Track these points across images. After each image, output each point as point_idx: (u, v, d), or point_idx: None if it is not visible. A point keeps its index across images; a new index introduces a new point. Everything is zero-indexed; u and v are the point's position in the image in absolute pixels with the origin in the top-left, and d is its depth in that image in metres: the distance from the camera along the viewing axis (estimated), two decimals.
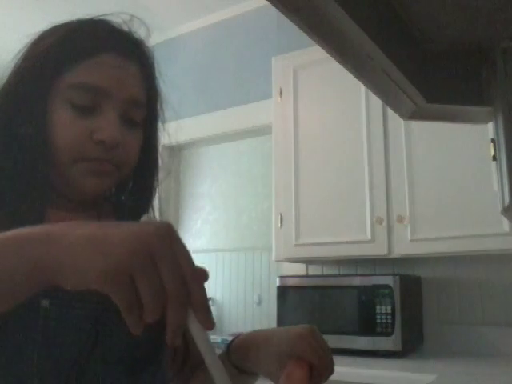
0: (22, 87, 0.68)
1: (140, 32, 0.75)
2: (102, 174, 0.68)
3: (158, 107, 0.77)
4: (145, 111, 0.73)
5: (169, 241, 0.42)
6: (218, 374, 0.44)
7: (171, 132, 0.81)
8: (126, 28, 0.73)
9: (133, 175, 0.76)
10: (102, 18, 0.73)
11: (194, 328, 0.43)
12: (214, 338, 2.84)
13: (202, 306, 0.43)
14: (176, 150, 3.10)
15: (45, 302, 0.63)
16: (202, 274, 0.44)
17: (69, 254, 0.43)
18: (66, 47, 0.68)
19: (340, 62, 0.52)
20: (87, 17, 0.72)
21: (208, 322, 0.43)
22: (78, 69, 0.67)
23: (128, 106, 0.70)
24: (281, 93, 2.47)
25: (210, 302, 3.41)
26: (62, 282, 0.43)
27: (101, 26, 0.72)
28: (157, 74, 0.76)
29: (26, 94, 0.67)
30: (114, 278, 0.41)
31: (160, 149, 0.80)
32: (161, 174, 0.80)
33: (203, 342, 0.43)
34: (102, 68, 0.67)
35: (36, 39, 0.71)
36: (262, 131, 2.85)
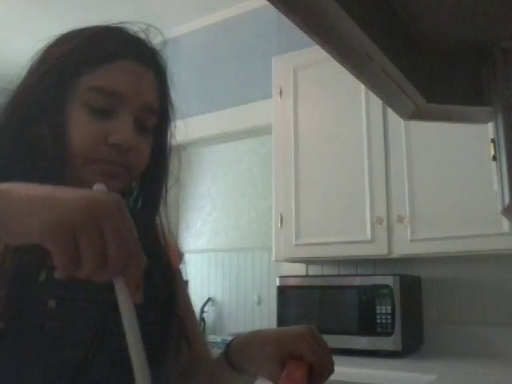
0: (40, 88, 0.69)
1: (155, 40, 0.77)
2: (112, 176, 0.69)
3: (170, 115, 0.78)
4: (157, 118, 0.74)
5: (117, 210, 0.44)
6: (134, 344, 0.45)
7: (174, 131, 0.82)
8: (143, 36, 0.75)
9: (142, 181, 0.78)
10: (118, 25, 0.74)
11: (122, 296, 0.45)
12: (214, 337, 2.84)
13: (135, 277, 0.44)
14: (176, 149, 3.10)
15: (51, 303, 0.64)
16: (143, 256, 0.45)
17: (17, 209, 0.44)
18: (85, 51, 0.69)
19: (340, 62, 0.52)
20: (104, 24, 0.74)
21: (136, 294, 0.45)
22: (97, 73, 0.68)
23: (142, 111, 0.71)
24: (281, 93, 2.47)
25: (210, 303, 3.41)
26: (8, 235, 0.45)
27: (119, 33, 0.73)
28: (169, 83, 0.78)
29: (43, 95, 0.68)
30: (57, 232, 0.42)
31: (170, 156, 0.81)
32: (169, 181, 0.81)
33: (127, 311, 0.45)
34: (121, 73, 0.69)
35: (53, 42, 0.73)
36: (262, 131, 2.85)
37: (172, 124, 0.79)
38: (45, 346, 0.62)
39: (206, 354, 0.85)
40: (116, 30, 0.74)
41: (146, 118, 0.72)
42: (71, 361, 0.63)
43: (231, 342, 0.75)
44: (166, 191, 0.80)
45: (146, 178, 0.77)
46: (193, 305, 0.89)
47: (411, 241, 2.05)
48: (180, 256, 0.87)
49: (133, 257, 0.44)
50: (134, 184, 0.79)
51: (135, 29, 0.75)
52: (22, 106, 0.70)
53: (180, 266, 0.86)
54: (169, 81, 0.77)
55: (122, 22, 0.75)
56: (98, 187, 0.49)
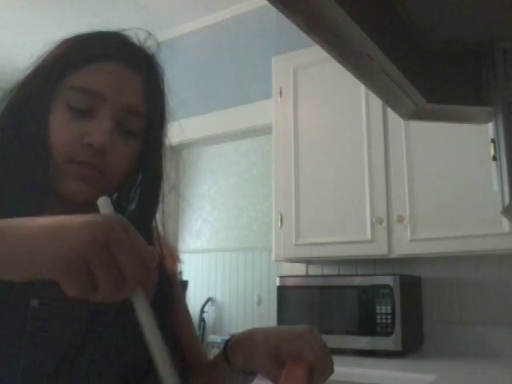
0: (30, 88, 0.70)
1: (153, 46, 0.77)
2: (87, 179, 0.69)
3: (163, 121, 0.77)
4: (143, 122, 0.73)
5: (123, 230, 0.45)
6: (160, 358, 0.46)
7: (172, 132, 0.82)
8: (137, 42, 0.75)
9: (139, 185, 0.78)
10: (117, 30, 0.75)
11: (142, 310, 0.46)
12: (214, 337, 2.84)
13: (151, 288, 0.47)
14: (176, 150, 3.10)
15: (34, 302, 0.63)
16: (155, 256, 0.47)
17: (21, 245, 0.45)
18: (74, 52, 0.70)
19: (340, 62, 0.52)
20: (104, 29, 0.74)
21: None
22: (80, 73, 0.69)
23: (125, 114, 0.71)
24: (281, 93, 2.47)
25: (210, 303, 3.41)
26: (16, 272, 0.45)
27: (113, 37, 0.74)
28: (166, 90, 0.77)
29: (32, 95, 0.70)
30: (70, 266, 0.43)
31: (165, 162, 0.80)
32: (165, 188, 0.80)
33: (148, 325, 0.46)
34: (102, 74, 0.69)
35: (54, 45, 0.73)
36: (262, 131, 2.85)
37: (166, 129, 0.78)
38: (26, 346, 0.61)
39: (203, 357, 0.85)
40: (110, 34, 0.74)
41: (129, 121, 0.71)
42: (52, 360, 0.62)
43: (230, 339, 0.75)
44: (163, 197, 0.79)
45: (141, 181, 0.77)
46: (190, 307, 0.88)
47: (411, 241, 2.05)
48: (176, 259, 0.87)
49: (148, 270, 0.45)
50: (132, 190, 0.79)
51: (132, 35, 0.75)
52: (13, 106, 0.71)
53: (176, 270, 0.86)
54: (165, 87, 0.77)
55: (123, 29, 0.75)
56: (102, 202, 0.50)
